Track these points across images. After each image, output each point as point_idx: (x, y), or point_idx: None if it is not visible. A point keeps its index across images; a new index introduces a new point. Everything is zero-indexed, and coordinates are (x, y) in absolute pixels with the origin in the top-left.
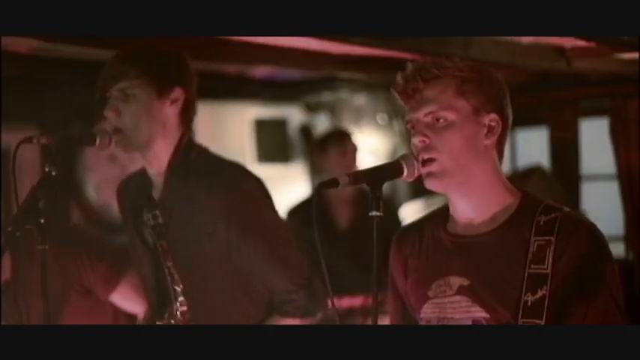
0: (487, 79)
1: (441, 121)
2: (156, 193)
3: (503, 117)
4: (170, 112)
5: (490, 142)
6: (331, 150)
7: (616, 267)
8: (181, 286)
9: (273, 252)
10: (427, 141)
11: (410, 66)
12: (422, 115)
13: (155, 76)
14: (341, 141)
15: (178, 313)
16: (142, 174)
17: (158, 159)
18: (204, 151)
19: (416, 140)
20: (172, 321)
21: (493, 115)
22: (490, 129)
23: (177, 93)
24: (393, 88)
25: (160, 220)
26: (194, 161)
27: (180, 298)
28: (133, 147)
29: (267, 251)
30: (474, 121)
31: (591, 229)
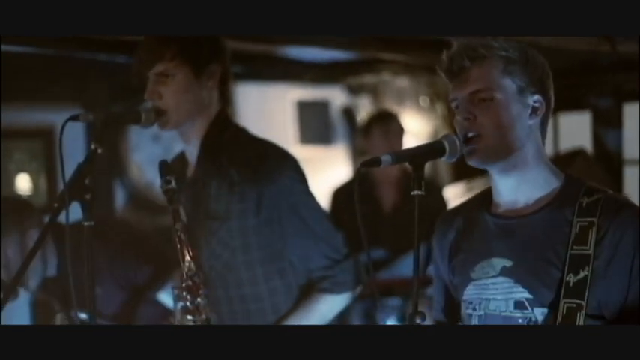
0: (532, 61)
1: (487, 99)
2: (190, 171)
3: (546, 98)
4: (208, 89)
5: (534, 122)
6: (375, 130)
7: None
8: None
9: (307, 228)
10: (472, 118)
11: (456, 44)
12: (467, 93)
13: (190, 55)
14: (385, 121)
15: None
16: (181, 154)
17: (196, 136)
18: (240, 131)
19: (461, 118)
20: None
21: (537, 97)
22: (534, 110)
23: (213, 70)
24: (438, 66)
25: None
26: (229, 139)
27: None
28: (175, 126)
29: (302, 227)
30: (518, 100)
31: (634, 211)
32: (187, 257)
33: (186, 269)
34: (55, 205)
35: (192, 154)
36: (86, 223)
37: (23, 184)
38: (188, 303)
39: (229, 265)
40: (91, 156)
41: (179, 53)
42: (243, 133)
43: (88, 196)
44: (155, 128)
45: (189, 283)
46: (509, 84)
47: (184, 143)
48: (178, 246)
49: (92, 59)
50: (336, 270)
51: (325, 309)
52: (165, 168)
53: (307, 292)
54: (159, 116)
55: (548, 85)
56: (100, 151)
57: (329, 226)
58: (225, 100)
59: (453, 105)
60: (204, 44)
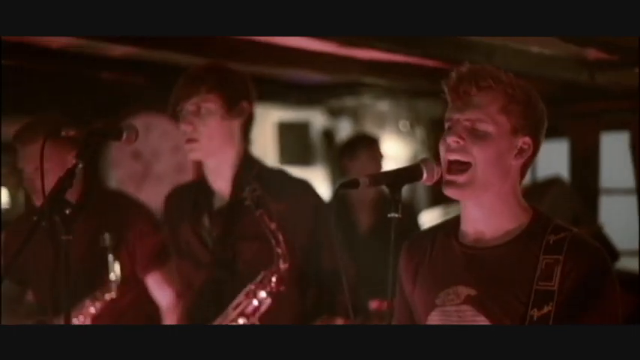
0: (532, 104)
1: (480, 130)
2: (217, 201)
3: (535, 142)
4: (236, 124)
5: (517, 162)
6: (361, 155)
7: (618, 289)
8: None
9: (329, 257)
10: (462, 143)
11: (467, 67)
12: (464, 117)
13: (225, 91)
14: (371, 147)
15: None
16: (202, 183)
17: (222, 169)
18: (263, 165)
19: (450, 140)
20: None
21: (527, 139)
22: (521, 151)
23: (244, 106)
24: (444, 82)
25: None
26: (257, 174)
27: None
28: (205, 156)
29: (325, 256)
30: (508, 139)
31: (597, 252)
32: (279, 250)
33: (280, 261)
34: (35, 218)
35: (221, 185)
36: (64, 237)
37: (2, 197)
38: (255, 301)
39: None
40: (72, 171)
41: (215, 88)
42: (267, 167)
43: (67, 211)
44: (135, 145)
45: (274, 278)
46: (505, 122)
47: (210, 175)
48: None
49: (75, 74)
50: (345, 297)
51: None
52: (248, 176)
53: (317, 315)
54: (189, 144)
55: (541, 130)
56: (81, 165)
57: (345, 256)
58: (248, 139)
59: (446, 125)
60: (237, 82)
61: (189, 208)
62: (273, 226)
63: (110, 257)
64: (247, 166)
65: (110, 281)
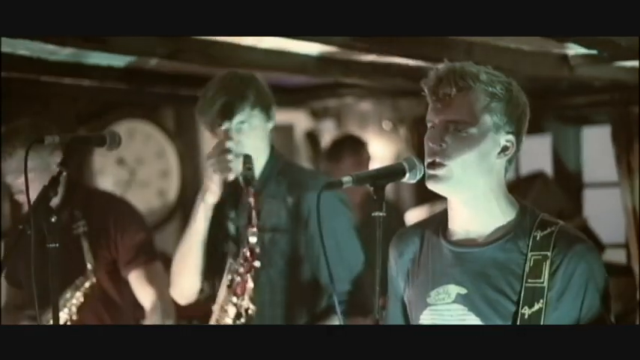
0: (514, 100)
1: (462, 131)
2: (245, 197)
3: (518, 139)
4: (269, 126)
5: (501, 160)
6: (345, 157)
7: (608, 280)
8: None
9: (339, 252)
10: (443, 146)
11: (445, 67)
12: (445, 119)
13: (264, 103)
14: (356, 148)
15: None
16: (231, 182)
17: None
18: (287, 160)
19: (430, 142)
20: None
21: (510, 137)
22: (504, 149)
23: (274, 111)
24: (423, 83)
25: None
26: (282, 168)
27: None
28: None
29: (335, 250)
30: (491, 138)
31: (586, 245)
32: (254, 229)
33: (249, 235)
34: (20, 227)
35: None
36: (51, 245)
37: None
38: (237, 277)
39: (283, 272)
40: (56, 178)
41: (256, 103)
42: (290, 162)
43: (52, 219)
44: (119, 151)
45: (248, 253)
46: (487, 120)
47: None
48: (247, 214)
49: (57, 82)
50: (355, 296)
51: None
52: (247, 158)
53: (326, 312)
54: (228, 155)
55: (524, 125)
56: (65, 173)
57: (358, 255)
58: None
59: (428, 125)
60: (267, 89)
61: (221, 203)
62: (252, 202)
63: (85, 244)
64: (274, 162)
65: (88, 268)
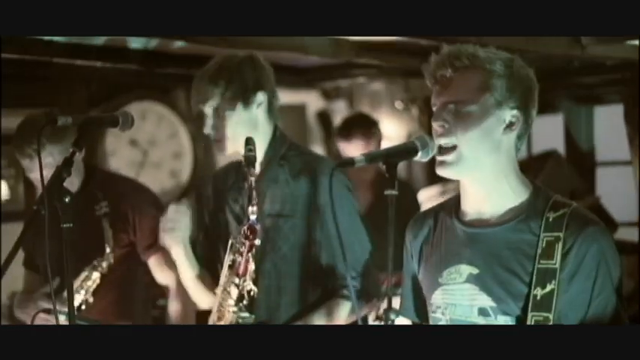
0: (516, 75)
1: (462, 111)
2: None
3: (526, 114)
4: (257, 113)
5: (507, 136)
6: (356, 136)
7: (619, 262)
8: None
9: (341, 237)
10: (446, 126)
11: (443, 51)
12: (445, 101)
13: (237, 89)
14: (366, 127)
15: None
16: (238, 165)
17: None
18: (292, 143)
19: (435, 124)
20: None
21: (515, 112)
22: (510, 124)
23: (260, 97)
24: (423, 68)
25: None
26: (286, 153)
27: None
28: (232, 151)
29: (337, 235)
30: (494, 114)
31: (598, 227)
32: (254, 207)
33: (250, 214)
34: (35, 207)
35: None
36: (65, 225)
37: (2, 190)
38: (239, 257)
39: (286, 258)
40: (69, 159)
41: (227, 89)
42: (296, 146)
43: (66, 199)
44: (132, 133)
45: (248, 231)
46: (488, 98)
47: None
48: (247, 194)
49: (69, 64)
50: (358, 281)
51: (343, 314)
52: (249, 140)
53: (329, 296)
54: (216, 143)
55: (530, 99)
56: (78, 153)
57: (362, 239)
58: (275, 118)
59: (434, 109)
60: (248, 75)
61: (229, 187)
62: (252, 181)
63: (106, 225)
64: (276, 146)
65: (107, 250)
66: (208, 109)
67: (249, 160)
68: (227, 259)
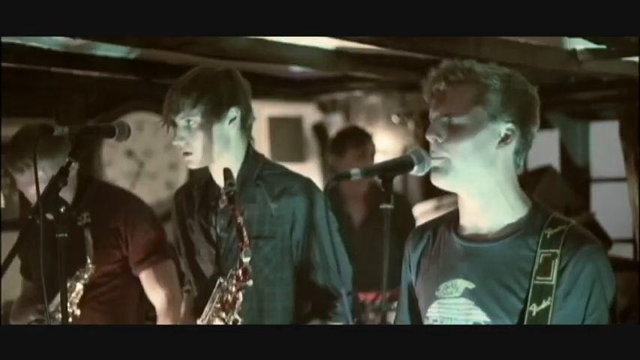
0: (512, 90)
1: (455, 123)
2: (223, 200)
3: (523, 129)
4: (230, 129)
5: (503, 150)
6: (348, 151)
7: (614, 281)
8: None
9: (324, 258)
10: (440, 140)
11: (442, 64)
12: (439, 114)
13: (210, 102)
14: (359, 141)
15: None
16: (210, 182)
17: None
18: (267, 162)
19: (429, 137)
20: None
21: (510, 125)
22: (505, 138)
23: (233, 112)
24: (422, 83)
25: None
26: (261, 172)
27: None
28: (201, 165)
29: (320, 256)
30: (487, 127)
31: (595, 246)
32: (247, 248)
33: (243, 255)
34: (30, 217)
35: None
36: (60, 235)
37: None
38: (228, 295)
39: (268, 280)
40: (65, 169)
41: (199, 102)
42: (271, 164)
43: (61, 209)
44: (128, 143)
45: (240, 273)
46: (481, 111)
47: (216, 174)
48: (239, 235)
49: (66, 74)
50: (341, 302)
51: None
52: (228, 173)
53: (310, 317)
54: (186, 156)
55: (528, 115)
56: (74, 163)
57: (345, 261)
58: (249, 136)
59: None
60: (222, 90)
61: (197, 205)
62: (240, 220)
63: (87, 235)
64: (250, 165)
65: (87, 261)
66: (180, 120)
67: (231, 195)
68: (216, 296)
